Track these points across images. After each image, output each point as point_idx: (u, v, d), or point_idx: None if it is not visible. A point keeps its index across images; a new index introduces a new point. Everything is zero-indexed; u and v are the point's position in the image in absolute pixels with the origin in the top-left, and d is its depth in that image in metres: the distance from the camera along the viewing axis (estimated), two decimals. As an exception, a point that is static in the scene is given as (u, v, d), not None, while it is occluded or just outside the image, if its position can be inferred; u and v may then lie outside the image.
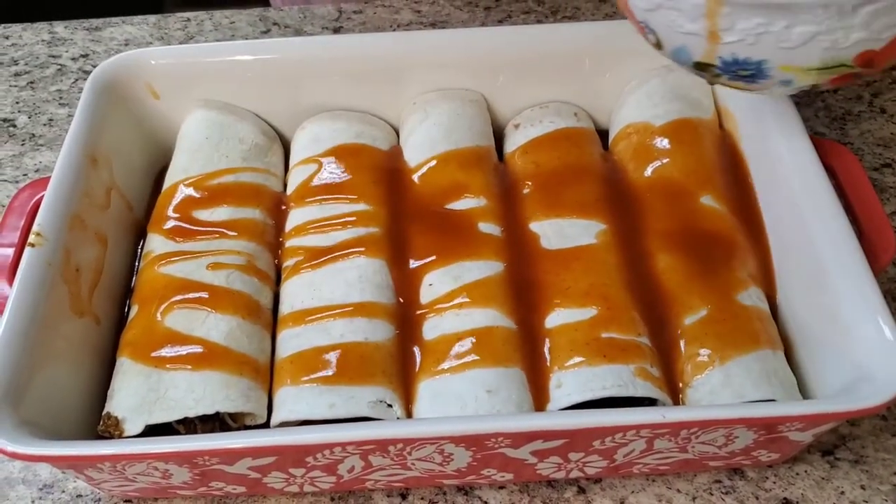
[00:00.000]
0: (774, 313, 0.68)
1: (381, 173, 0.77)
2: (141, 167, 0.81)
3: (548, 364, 0.65)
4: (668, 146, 0.75)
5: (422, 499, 0.65)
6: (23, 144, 0.93)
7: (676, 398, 0.63)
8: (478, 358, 0.64)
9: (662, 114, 0.77)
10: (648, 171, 0.75)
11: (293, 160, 0.80)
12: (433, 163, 0.77)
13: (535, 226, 0.73)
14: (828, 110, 0.92)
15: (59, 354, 0.63)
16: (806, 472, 0.66)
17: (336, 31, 1.02)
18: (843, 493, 0.65)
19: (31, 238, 0.64)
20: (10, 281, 0.64)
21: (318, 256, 0.71)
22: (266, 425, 0.64)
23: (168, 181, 0.77)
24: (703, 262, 0.68)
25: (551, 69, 0.81)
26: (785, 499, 0.64)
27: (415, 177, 0.77)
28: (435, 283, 0.69)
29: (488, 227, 0.72)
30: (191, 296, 0.67)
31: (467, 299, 0.67)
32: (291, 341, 0.67)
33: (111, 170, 0.75)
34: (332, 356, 0.65)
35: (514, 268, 0.70)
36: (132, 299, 0.70)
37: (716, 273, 0.68)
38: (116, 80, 0.78)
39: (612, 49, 0.79)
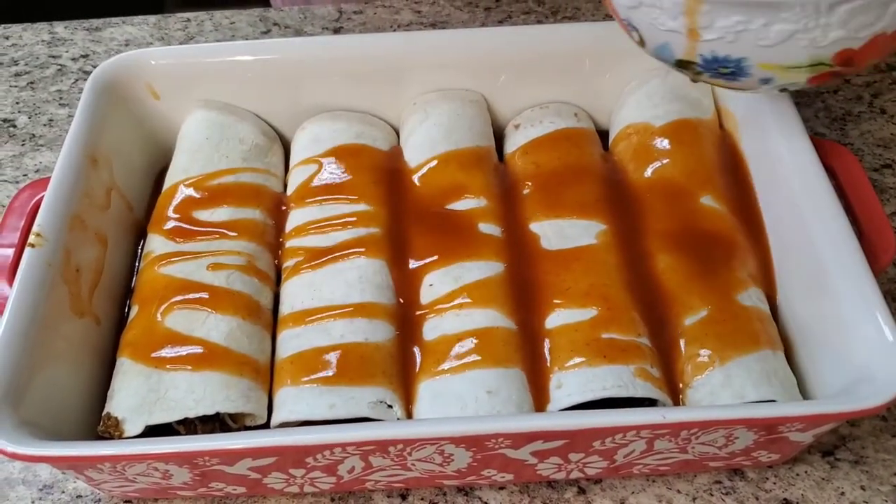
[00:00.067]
0: (774, 313, 0.68)
1: (381, 174, 0.77)
2: (141, 167, 0.81)
3: (548, 364, 0.65)
4: (668, 146, 0.75)
5: (422, 499, 0.65)
6: (23, 145, 0.93)
7: (676, 399, 0.63)
8: (478, 358, 0.64)
9: (662, 114, 0.77)
10: (648, 172, 0.75)
11: (293, 160, 0.80)
12: (433, 163, 0.77)
13: (535, 226, 0.73)
14: (828, 111, 0.92)
15: (59, 355, 0.63)
16: (806, 472, 0.66)
17: (336, 31, 1.02)
18: (843, 493, 0.65)
19: (31, 238, 0.64)
20: (10, 281, 0.64)
21: (318, 257, 0.71)
22: (266, 426, 0.64)
23: (168, 181, 0.77)
24: (703, 263, 0.68)
25: (551, 69, 0.81)
26: (785, 499, 0.64)
27: (415, 177, 0.77)
28: (435, 284, 0.69)
29: (488, 228, 0.72)
30: (191, 296, 0.67)
31: (468, 300, 0.67)
32: (291, 342, 0.67)
33: (111, 170, 0.75)
34: (333, 357, 0.65)
35: (514, 268, 0.70)
36: (132, 300, 0.70)
37: (716, 273, 0.68)
38: (116, 80, 0.78)
39: (612, 49, 0.79)
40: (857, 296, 0.60)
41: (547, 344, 0.66)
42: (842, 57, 0.56)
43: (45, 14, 1.11)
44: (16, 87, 0.99)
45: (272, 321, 0.70)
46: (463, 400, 0.62)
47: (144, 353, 0.65)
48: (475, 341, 0.65)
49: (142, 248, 0.76)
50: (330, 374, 0.64)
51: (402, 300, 0.69)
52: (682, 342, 0.65)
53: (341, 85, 0.81)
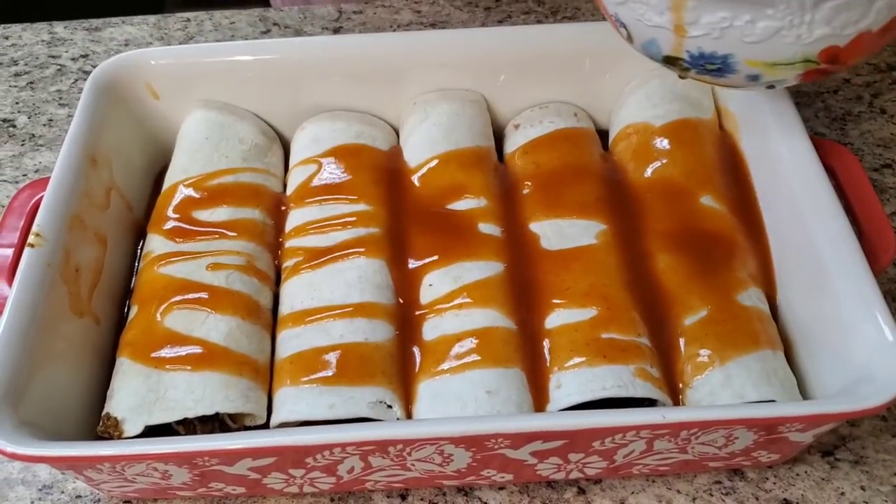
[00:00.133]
0: (774, 313, 0.68)
1: (381, 174, 0.77)
2: (141, 167, 0.81)
3: (548, 364, 0.65)
4: (668, 146, 0.75)
5: (421, 499, 0.65)
6: (23, 145, 0.93)
7: (676, 399, 0.63)
8: (478, 358, 0.64)
9: (662, 114, 0.77)
10: (648, 172, 0.75)
11: (293, 160, 0.80)
12: (433, 163, 0.77)
13: (535, 226, 0.73)
14: (828, 110, 0.92)
15: (58, 355, 0.63)
16: (806, 472, 0.66)
17: (336, 31, 1.02)
18: (843, 493, 0.64)
19: (31, 238, 0.64)
20: (10, 281, 0.64)
21: (317, 257, 0.71)
22: (266, 426, 0.64)
23: (168, 181, 0.77)
24: (703, 263, 0.68)
25: (551, 69, 0.81)
26: (785, 499, 0.64)
27: (415, 177, 0.77)
28: (435, 284, 0.69)
29: (488, 228, 0.72)
30: (190, 296, 0.67)
31: (467, 300, 0.67)
32: (291, 342, 0.67)
33: (111, 170, 0.75)
34: (332, 357, 0.65)
35: (514, 268, 0.70)
36: (132, 300, 0.70)
37: (716, 273, 0.68)
38: (116, 80, 0.78)
39: (612, 49, 0.79)
40: (857, 296, 0.60)
41: (547, 344, 0.66)
42: (828, 54, 0.56)
43: (44, 14, 1.11)
44: (15, 87, 0.99)
45: (272, 321, 0.70)
46: (463, 400, 0.62)
47: (144, 353, 0.65)
48: (475, 341, 0.65)
49: (141, 248, 0.76)
50: (329, 374, 0.64)
51: (401, 300, 0.69)
52: (681, 342, 0.65)
53: (341, 85, 0.81)
